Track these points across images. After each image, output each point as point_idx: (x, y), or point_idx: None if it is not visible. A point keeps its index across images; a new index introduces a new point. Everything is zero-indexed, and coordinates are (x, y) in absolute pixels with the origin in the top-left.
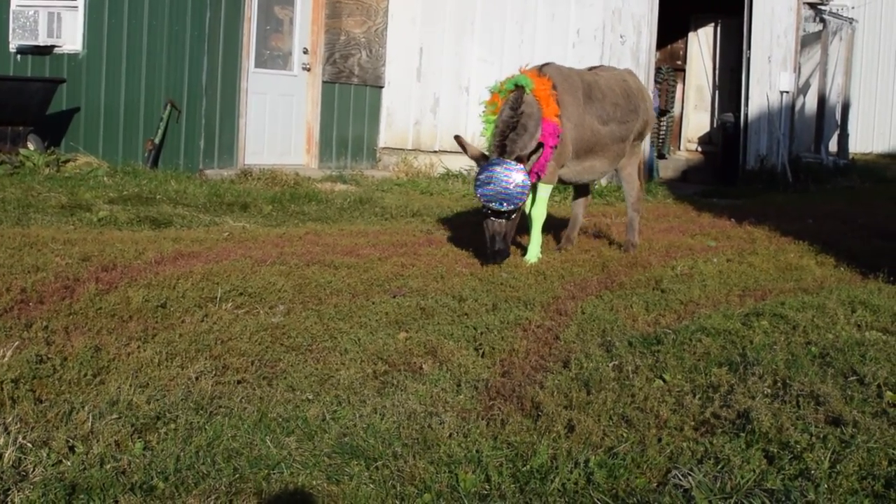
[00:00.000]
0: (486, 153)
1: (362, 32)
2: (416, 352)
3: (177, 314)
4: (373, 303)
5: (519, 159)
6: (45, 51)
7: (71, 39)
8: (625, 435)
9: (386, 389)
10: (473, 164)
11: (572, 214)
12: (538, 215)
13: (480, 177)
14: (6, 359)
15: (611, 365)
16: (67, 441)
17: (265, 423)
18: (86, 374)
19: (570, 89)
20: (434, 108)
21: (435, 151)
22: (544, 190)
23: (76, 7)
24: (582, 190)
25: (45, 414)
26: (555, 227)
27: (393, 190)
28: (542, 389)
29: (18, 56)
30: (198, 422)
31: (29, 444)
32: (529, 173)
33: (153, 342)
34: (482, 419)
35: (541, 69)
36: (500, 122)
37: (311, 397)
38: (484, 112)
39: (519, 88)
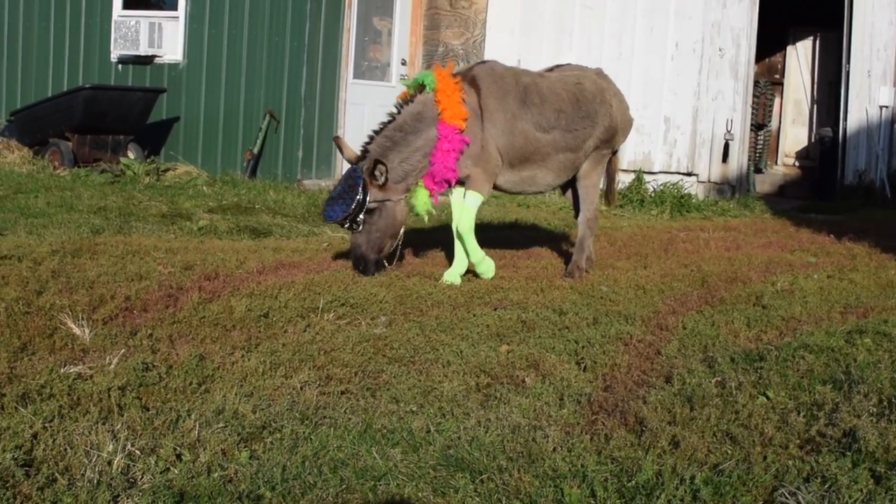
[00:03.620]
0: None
1: (460, 44)
2: (518, 365)
3: (279, 324)
4: (474, 315)
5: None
6: (146, 61)
7: (172, 50)
8: (730, 452)
9: (489, 402)
10: None
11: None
12: (463, 228)
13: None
14: (113, 366)
15: (713, 381)
16: (175, 449)
17: (370, 434)
18: (191, 383)
19: (499, 93)
20: None
21: None
22: (472, 199)
23: (177, 18)
24: (579, 205)
25: (153, 421)
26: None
27: (488, 202)
28: (646, 405)
29: (120, 66)
30: (303, 432)
31: (137, 452)
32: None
33: (257, 351)
34: (586, 433)
35: (471, 68)
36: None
37: (414, 409)
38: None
39: (420, 87)
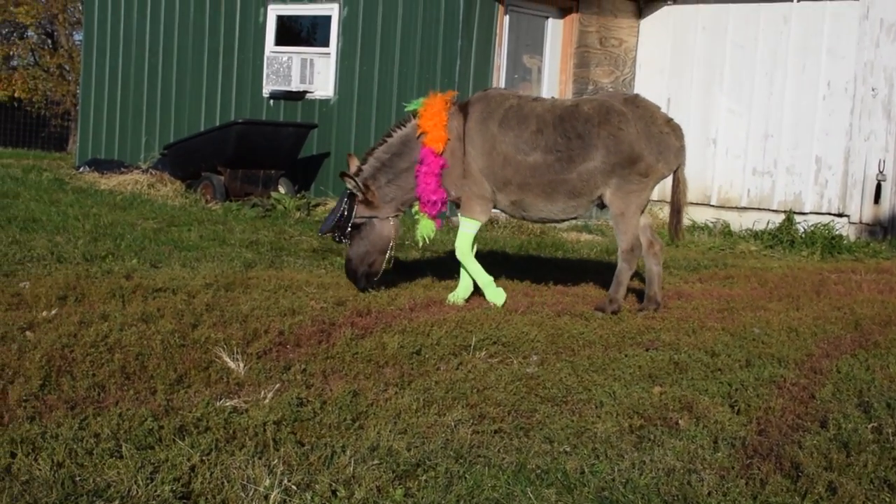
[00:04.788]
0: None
1: (610, 82)
2: (671, 406)
3: (432, 361)
4: (626, 355)
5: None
6: (297, 96)
7: (323, 85)
8: (888, 500)
9: (643, 444)
10: (719, 216)
11: (646, 268)
12: (459, 253)
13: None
14: (267, 400)
15: (870, 427)
16: (330, 485)
17: (524, 475)
18: (345, 419)
19: (481, 116)
20: None
21: None
22: (466, 224)
23: (329, 54)
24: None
25: (308, 457)
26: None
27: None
28: (801, 449)
29: (271, 101)
30: (458, 470)
31: (293, 487)
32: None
33: (410, 389)
34: (741, 478)
35: (473, 95)
36: None
37: (568, 450)
38: None
39: (415, 112)
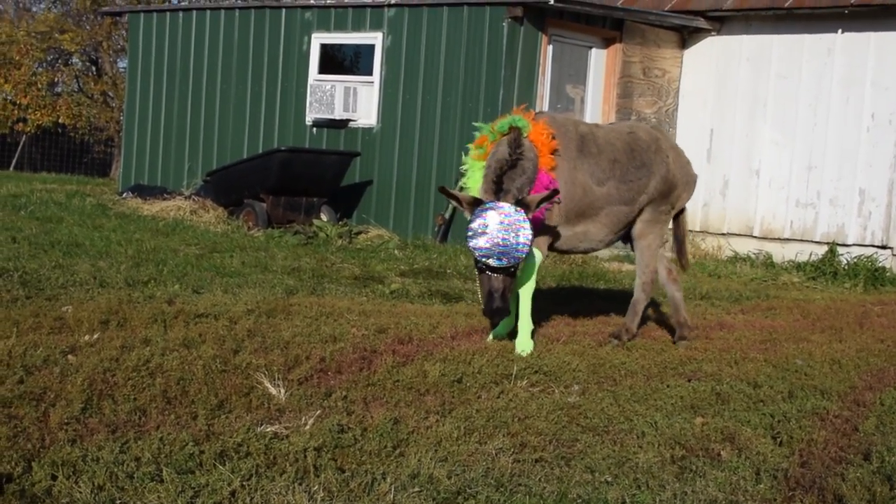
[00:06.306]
0: (480, 197)
1: (653, 112)
2: (713, 438)
3: (473, 389)
4: (667, 386)
5: (522, 203)
6: (340, 124)
7: (366, 114)
8: None
9: (685, 475)
10: (761, 248)
11: (668, 296)
12: (527, 292)
13: (472, 225)
14: (308, 427)
15: None
16: None
17: None
18: (386, 446)
19: (563, 142)
20: (723, 191)
21: (723, 234)
22: (534, 256)
23: (372, 83)
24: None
25: (348, 483)
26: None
27: (680, 272)
28: (844, 482)
29: (314, 129)
30: (498, 499)
31: None
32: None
33: (451, 417)
34: None
35: (534, 117)
36: (493, 162)
37: (609, 480)
38: (468, 156)
39: (515, 129)
